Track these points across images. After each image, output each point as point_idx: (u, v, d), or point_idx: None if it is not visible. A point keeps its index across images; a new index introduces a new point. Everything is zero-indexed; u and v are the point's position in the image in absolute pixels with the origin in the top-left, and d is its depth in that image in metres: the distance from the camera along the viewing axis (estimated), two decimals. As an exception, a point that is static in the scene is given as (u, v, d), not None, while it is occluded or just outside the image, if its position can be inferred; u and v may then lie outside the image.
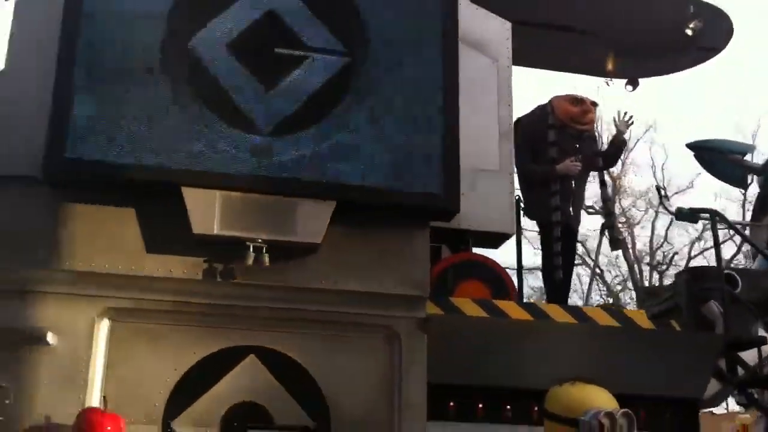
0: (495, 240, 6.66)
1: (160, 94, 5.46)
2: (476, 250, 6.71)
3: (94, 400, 5.16)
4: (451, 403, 6.04)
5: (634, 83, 10.36)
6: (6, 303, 5.16)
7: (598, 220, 18.73)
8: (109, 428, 4.80)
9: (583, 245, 23.06)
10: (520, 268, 7.44)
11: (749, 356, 7.00)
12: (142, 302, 5.38)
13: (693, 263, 26.01)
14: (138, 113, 5.38)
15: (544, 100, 7.53)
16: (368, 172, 5.67)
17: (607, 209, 8.51)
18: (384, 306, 5.68)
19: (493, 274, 6.37)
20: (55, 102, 5.35)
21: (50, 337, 5.17)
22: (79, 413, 4.89)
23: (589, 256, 23.80)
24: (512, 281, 6.55)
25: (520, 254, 7.40)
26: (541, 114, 7.38)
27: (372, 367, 5.65)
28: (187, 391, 5.35)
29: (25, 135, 5.34)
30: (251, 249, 5.39)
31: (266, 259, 5.41)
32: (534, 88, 9.83)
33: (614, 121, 7.63)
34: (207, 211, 5.37)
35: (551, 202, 7.05)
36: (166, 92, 5.47)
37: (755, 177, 11.13)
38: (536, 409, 6.23)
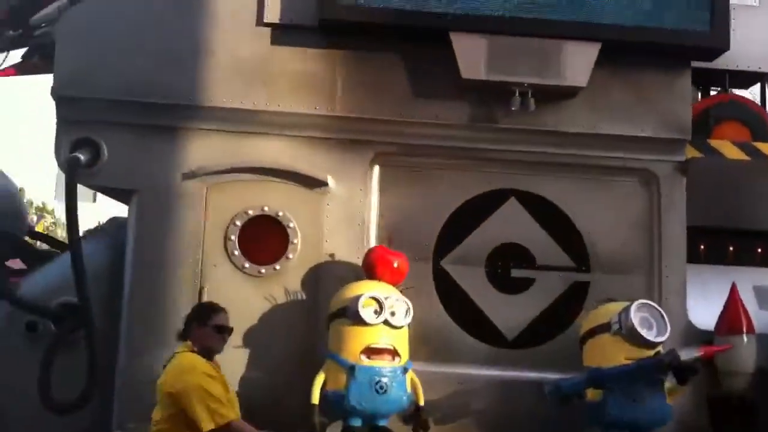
0: (750, 80, 6.36)
1: (427, -61, 5.36)
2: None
3: (372, 239, 5.48)
4: (702, 246, 6.03)
5: None
6: (291, 147, 5.47)
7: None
8: (396, 264, 5.11)
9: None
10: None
11: None
12: (410, 148, 5.55)
13: None
14: (407, -41, 5.34)
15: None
16: (634, 11, 5.48)
17: None
18: (644, 150, 5.64)
19: (754, 116, 6.11)
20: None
21: (330, 181, 5.46)
22: (368, 251, 5.23)
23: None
24: (773, 121, 6.26)
25: (764, 92, 6.98)
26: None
27: (630, 209, 5.69)
28: (453, 231, 5.60)
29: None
30: (517, 93, 5.39)
31: (531, 103, 5.40)
32: None
33: None
34: (475, 55, 5.37)
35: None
36: (433, -63, 5.36)
37: None
38: (791, 253, 6.18)
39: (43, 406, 4.95)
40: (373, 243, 5.46)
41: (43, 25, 6.62)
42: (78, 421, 5.05)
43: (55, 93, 5.46)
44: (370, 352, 4.76)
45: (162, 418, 4.15)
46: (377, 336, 4.78)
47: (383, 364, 4.75)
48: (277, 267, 5.37)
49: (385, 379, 4.67)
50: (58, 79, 5.47)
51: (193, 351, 4.27)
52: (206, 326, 4.33)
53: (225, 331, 4.40)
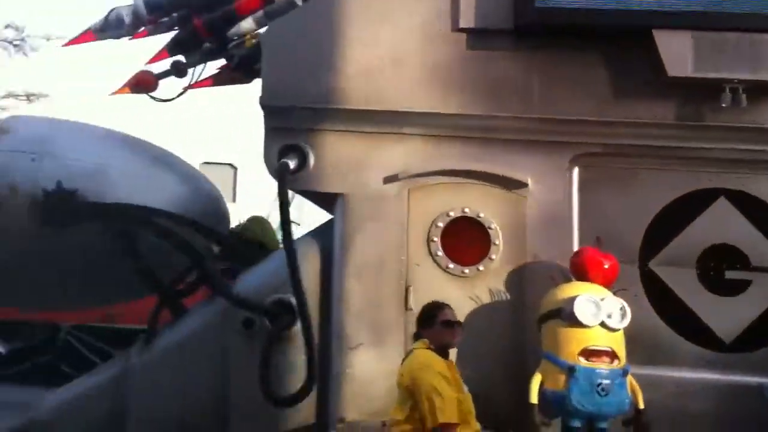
0: None
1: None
2: None
3: (574, 240, 5.42)
4: None
5: None
6: (490, 150, 5.48)
7: None
8: (607, 266, 5.03)
9: None
10: None
11: None
12: (611, 148, 5.46)
13: None
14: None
15: None
16: None
17: None
18: None
19: None
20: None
21: (530, 182, 5.44)
22: (577, 252, 5.17)
23: None
24: None
25: None
26: None
27: None
28: (660, 233, 5.46)
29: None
30: (727, 90, 5.21)
31: (743, 99, 5.21)
32: None
33: None
34: (680, 52, 5.24)
35: None
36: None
37: None
38: None
39: (265, 399, 5.17)
40: (576, 244, 5.40)
41: (236, 37, 6.88)
42: (296, 414, 5.25)
43: (264, 103, 5.70)
44: (589, 353, 4.70)
45: (403, 414, 4.21)
46: (595, 338, 4.72)
47: (602, 366, 4.68)
48: (481, 267, 5.40)
49: (606, 381, 4.60)
50: (266, 90, 5.69)
51: (429, 348, 4.34)
52: (434, 326, 4.39)
53: (453, 325, 4.43)
